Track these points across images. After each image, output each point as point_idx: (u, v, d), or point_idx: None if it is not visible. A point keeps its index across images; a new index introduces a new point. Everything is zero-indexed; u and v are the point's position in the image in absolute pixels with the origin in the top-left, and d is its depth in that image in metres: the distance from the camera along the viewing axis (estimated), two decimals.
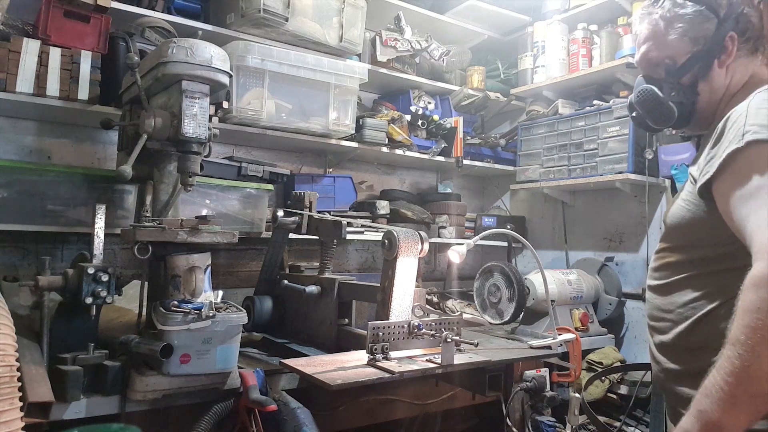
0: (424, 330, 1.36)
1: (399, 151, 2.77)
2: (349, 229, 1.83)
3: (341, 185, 2.66)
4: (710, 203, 1.14)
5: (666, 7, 1.26)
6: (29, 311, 1.60)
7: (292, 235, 2.03)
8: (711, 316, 1.18)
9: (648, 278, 1.33)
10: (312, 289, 1.74)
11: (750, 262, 1.16)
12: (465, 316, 2.36)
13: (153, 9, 2.18)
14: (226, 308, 1.45)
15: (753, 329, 0.92)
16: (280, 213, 1.92)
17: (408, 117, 2.81)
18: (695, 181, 1.17)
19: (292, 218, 1.89)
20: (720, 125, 1.14)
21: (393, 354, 1.36)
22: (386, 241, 1.49)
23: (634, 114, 1.37)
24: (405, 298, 1.50)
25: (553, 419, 2.07)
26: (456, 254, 1.48)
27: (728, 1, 1.24)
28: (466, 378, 1.58)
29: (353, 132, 2.57)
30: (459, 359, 1.38)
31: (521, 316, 2.00)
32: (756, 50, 1.27)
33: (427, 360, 1.37)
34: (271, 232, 2.10)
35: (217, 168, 2.28)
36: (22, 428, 1.12)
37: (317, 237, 1.88)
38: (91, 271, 1.38)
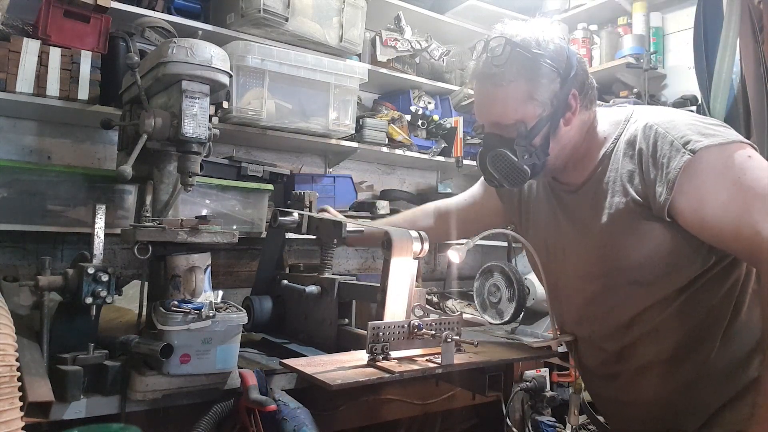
0: (424, 330, 1.36)
1: (399, 151, 2.77)
2: (349, 228, 1.83)
3: (341, 185, 2.66)
4: (673, 223, 1.17)
5: (511, 70, 1.23)
6: (29, 311, 1.60)
7: (292, 235, 2.02)
8: (731, 324, 1.23)
9: (618, 338, 1.32)
10: (312, 289, 1.74)
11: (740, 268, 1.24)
12: (465, 316, 2.36)
13: (153, 9, 2.18)
14: (226, 308, 1.45)
15: None
16: (280, 214, 1.91)
17: (408, 117, 2.81)
18: (645, 206, 1.18)
19: (292, 218, 1.89)
20: (635, 158, 1.20)
21: (393, 354, 1.35)
22: (386, 241, 1.49)
23: (486, 175, 1.35)
24: (401, 298, 1.49)
25: (553, 419, 2.07)
26: (456, 254, 1.48)
27: (567, 58, 1.25)
28: (466, 378, 1.58)
29: (353, 132, 2.57)
30: (459, 359, 1.37)
31: (521, 316, 1.99)
32: (591, 103, 1.31)
33: (427, 360, 1.37)
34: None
35: (217, 168, 2.28)
36: (22, 428, 1.12)
37: (317, 237, 1.88)
38: (91, 271, 1.38)
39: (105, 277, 1.40)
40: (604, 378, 1.40)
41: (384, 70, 2.77)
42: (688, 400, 1.26)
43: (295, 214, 1.87)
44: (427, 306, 1.67)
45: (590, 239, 1.29)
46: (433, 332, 1.36)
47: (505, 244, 3.16)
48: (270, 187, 2.35)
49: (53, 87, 1.88)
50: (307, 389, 1.61)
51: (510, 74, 1.22)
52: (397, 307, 1.48)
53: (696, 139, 1.12)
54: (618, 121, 1.29)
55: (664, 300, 1.22)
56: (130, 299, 1.78)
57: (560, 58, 1.24)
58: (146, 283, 1.54)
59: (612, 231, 1.24)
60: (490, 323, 1.98)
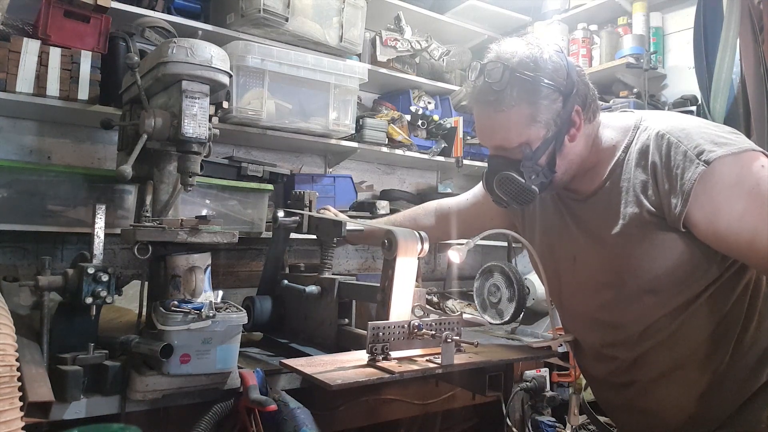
0: (424, 330, 1.36)
1: (399, 151, 2.77)
2: (348, 228, 1.83)
3: (341, 185, 2.66)
4: (688, 234, 1.16)
5: (511, 95, 1.20)
6: (29, 311, 1.60)
7: (292, 235, 2.03)
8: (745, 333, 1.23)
9: (632, 347, 1.30)
10: (312, 289, 1.74)
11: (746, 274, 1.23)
12: (465, 316, 2.36)
13: (153, 9, 2.18)
14: (226, 308, 1.45)
15: None
16: (280, 213, 1.91)
17: (408, 117, 2.81)
18: (659, 216, 1.18)
19: (292, 218, 1.89)
20: (646, 169, 1.19)
21: (393, 354, 1.35)
22: (386, 241, 1.49)
23: (494, 197, 1.34)
24: (404, 298, 1.49)
25: (553, 419, 2.07)
26: (456, 254, 1.48)
27: (567, 75, 1.22)
28: (466, 378, 1.58)
29: (353, 132, 2.57)
30: (459, 359, 1.37)
31: (521, 316, 1.99)
32: (595, 114, 1.29)
33: (427, 360, 1.36)
34: (271, 233, 2.10)
35: (217, 168, 2.28)
36: (22, 428, 1.12)
37: (317, 236, 1.88)
38: (91, 271, 1.38)
39: (105, 277, 1.40)
40: (616, 386, 1.39)
41: (384, 70, 2.77)
42: (703, 406, 1.25)
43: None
44: (427, 306, 1.67)
45: (603, 248, 1.28)
46: (433, 332, 1.36)
47: (505, 244, 3.16)
48: (270, 187, 2.35)
49: (53, 87, 1.88)
50: (307, 389, 1.61)
51: (511, 99, 1.20)
52: (400, 307, 1.48)
53: (710, 149, 1.11)
54: (626, 127, 1.28)
55: (678, 308, 1.21)
56: (130, 299, 1.79)
57: (560, 76, 1.21)
58: (146, 283, 1.54)
59: (626, 241, 1.23)
60: (490, 323, 1.98)
